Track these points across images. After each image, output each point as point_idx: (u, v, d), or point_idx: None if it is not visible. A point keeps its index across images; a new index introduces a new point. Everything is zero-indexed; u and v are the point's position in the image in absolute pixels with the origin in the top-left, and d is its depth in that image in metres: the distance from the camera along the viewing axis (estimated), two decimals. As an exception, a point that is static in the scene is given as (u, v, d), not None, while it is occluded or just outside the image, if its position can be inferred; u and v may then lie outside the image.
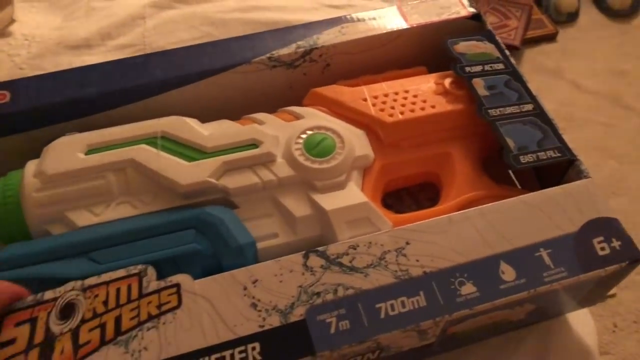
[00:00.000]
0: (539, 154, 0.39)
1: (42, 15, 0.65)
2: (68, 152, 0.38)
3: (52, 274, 0.34)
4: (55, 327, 0.31)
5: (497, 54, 0.44)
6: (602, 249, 0.35)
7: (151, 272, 0.33)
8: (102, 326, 0.31)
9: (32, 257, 0.34)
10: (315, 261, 0.34)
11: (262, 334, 0.31)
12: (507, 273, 0.34)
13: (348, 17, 0.46)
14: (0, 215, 0.36)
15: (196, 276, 0.34)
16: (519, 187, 0.45)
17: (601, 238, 0.35)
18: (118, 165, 0.38)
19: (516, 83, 0.42)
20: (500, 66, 0.43)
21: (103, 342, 0.31)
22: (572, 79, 1.07)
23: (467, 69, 0.42)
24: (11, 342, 0.30)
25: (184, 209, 0.37)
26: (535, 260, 0.34)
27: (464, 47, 0.44)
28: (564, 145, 0.39)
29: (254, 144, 0.39)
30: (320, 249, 0.34)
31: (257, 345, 0.31)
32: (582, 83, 1.06)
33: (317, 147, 0.39)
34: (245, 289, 0.33)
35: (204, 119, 0.41)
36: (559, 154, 0.39)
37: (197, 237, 0.35)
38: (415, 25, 0.45)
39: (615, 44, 1.16)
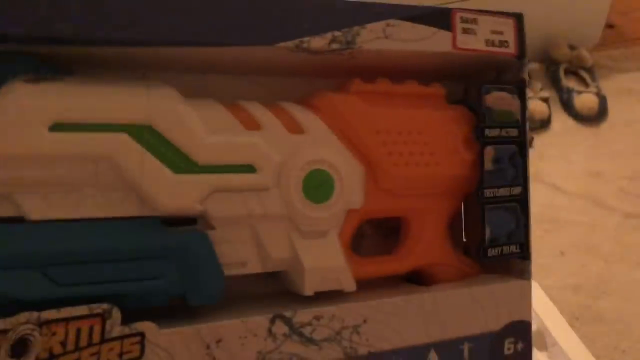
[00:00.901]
0: (503, 247, 0.40)
1: None
2: (29, 123, 0.30)
3: (4, 292, 0.30)
4: (5, 365, 0.29)
5: (518, 115, 0.41)
6: (509, 349, 0.41)
7: (116, 314, 0.31)
8: (58, 369, 0.30)
9: None
10: (280, 328, 0.34)
11: (216, 395, 0.33)
12: (433, 360, 0.39)
13: (398, 10, 0.37)
14: None
15: (158, 304, 0.33)
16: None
17: (512, 339, 0.41)
18: (90, 157, 0.31)
19: (519, 158, 0.41)
20: (515, 133, 0.41)
21: (57, 387, 0.30)
22: (552, 181, 1.12)
23: (487, 131, 0.40)
24: (-47, 376, 0.28)
25: (158, 232, 0.33)
26: (457, 353, 0.39)
27: (493, 99, 0.40)
28: (526, 242, 0.41)
29: (252, 167, 0.34)
30: (287, 314, 0.35)
31: (208, 405, 0.33)
32: (562, 185, 1.11)
33: (316, 190, 0.36)
34: (208, 347, 0.33)
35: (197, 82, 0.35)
36: (518, 250, 0.41)
37: (167, 270, 0.33)
38: (461, 50, 0.39)
39: (589, 146, 1.24)
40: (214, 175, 0.33)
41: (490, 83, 0.40)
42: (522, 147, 0.41)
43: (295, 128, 0.36)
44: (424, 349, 0.38)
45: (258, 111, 0.36)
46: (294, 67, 0.39)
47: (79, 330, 0.30)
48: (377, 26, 0.37)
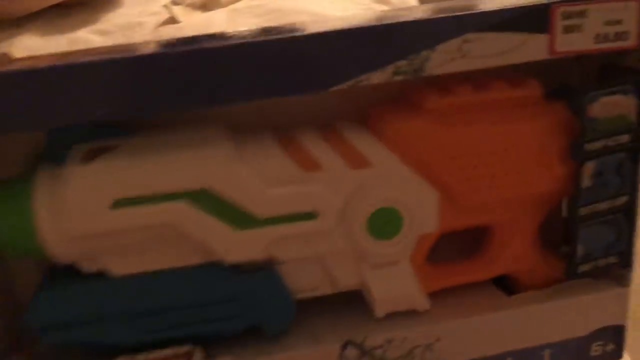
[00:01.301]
0: (599, 261, 0.37)
1: None
2: (92, 205, 0.31)
3: (100, 342, 0.34)
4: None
5: (632, 117, 0.34)
6: (596, 350, 0.40)
7: (199, 354, 0.35)
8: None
9: (70, 318, 0.34)
10: (351, 353, 0.36)
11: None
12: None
13: (477, 19, 0.31)
14: (13, 243, 0.32)
15: (234, 334, 0.36)
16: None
17: (601, 342, 0.39)
18: (154, 226, 0.32)
19: (629, 165, 0.35)
20: (625, 139, 0.34)
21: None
22: None
23: (587, 146, 0.34)
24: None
25: (230, 277, 0.35)
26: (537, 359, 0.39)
27: (600, 107, 0.33)
28: (628, 251, 0.37)
29: (313, 215, 0.34)
30: (358, 340, 0.36)
31: None
32: None
33: (382, 229, 0.34)
34: (287, 379, 0.36)
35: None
36: (617, 261, 0.37)
37: (241, 309, 0.35)
38: (561, 54, 0.32)
39: None
40: (274, 226, 0.33)
41: (599, 81, 0.34)
42: (634, 152, 0.35)
43: (358, 162, 0.34)
44: (501, 358, 0.38)
45: (316, 148, 0.34)
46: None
47: (168, 369, 0.35)
48: (450, 45, 0.31)
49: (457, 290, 0.39)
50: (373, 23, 0.31)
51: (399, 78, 0.31)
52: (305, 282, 0.36)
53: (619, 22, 0.32)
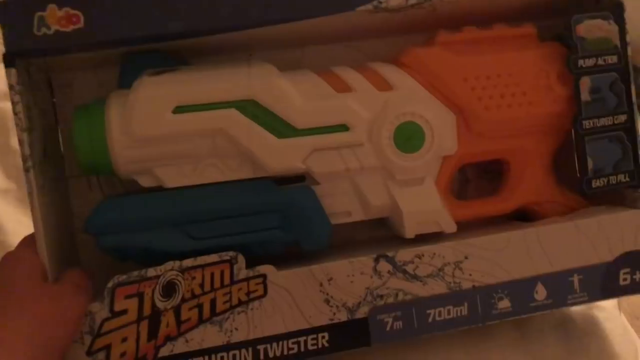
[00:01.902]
0: (610, 177, 0.40)
1: None
2: (156, 110, 0.36)
3: (152, 247, 0.37)
4: (160, 303, 0.36)
5: (616, 40, 0.40)
6: (625, 279, 0.41)
7: (241, 259, 0.37)
8: (200, 307, 0.37)
9: (127, 224, 0.37)
10: (384, 266, 0.38)
11: (331, 326, 0.38)
12: (540, 293, 0.40)
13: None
14: (88, 156, 0.37)
15: (276, 252, 0.39)
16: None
17: (628, 269, 0.41)
18: (208, 132, 0.37)
19: (621, 85, 0.40)
20: (614, 59, 0.40)
21: (201, 321, 0.37)
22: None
23: (580, 62, 0.39)
24: (124, 312, 0.36)
25: (272, 190, 0.38)
26: (566, 284, 0.40)
27: (586, 28, 0.39)
28: (637, 169, 0.40)
29: (345, 127, 0.38)
30: (389, 254, 0.38)
31: (326, 334, 0.38)
32: None
33: (407, 141, 0.39)
34: (321, 285, 0.38)
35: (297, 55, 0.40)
36: (628, 179, 0.40)
37: (282, 221, 0.38)
38: None
39: None
40: (311, 137, 0.38)
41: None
42: (624, 73, 0.40)
43: (384, 86, 0.39)
44: (530, 281, 0.40)
45: (348, 74, 0.39)
46: (382, 28, 0.42)
47: (212, 275, 0.37)
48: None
49: (481, 223, 0.42)
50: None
51: (413, 1, 0.38)
52: (340, 205, 0.40)
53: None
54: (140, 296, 0.36)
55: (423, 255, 0.39)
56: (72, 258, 0.41)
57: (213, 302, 0.37)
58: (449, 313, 0.39)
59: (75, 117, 0.37)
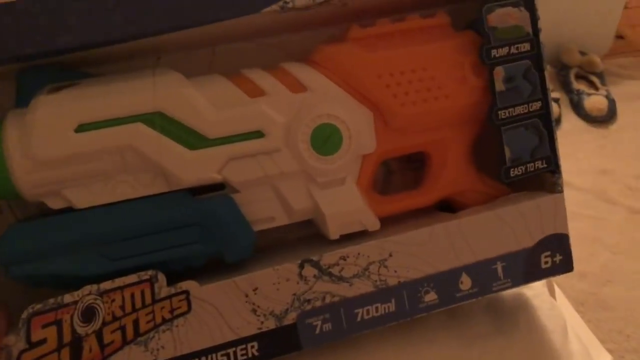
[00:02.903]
0: (528, 165, 0.40)
1: None
2: (57, 129, 0.34)
3: (67, 272, 0.36)
4: (80, 329, 0.35)
5: (528, 28, 0.40)
6: (546, 262, 0.42)
7: (161, 278, 0.36)
8: (123, 328, 0.36)
9: (38, 251, 0.35)
10: (309, 271, 0.38)
11: (260, 335, 0.38)
12: (465, 283, 0.41)
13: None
14: None
15: (198, 265, 0.38)
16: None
17: (548, 252, 0.42)
18: (115, 149, 0.35)
19: (534, 72, 0.40)
20: (527, 47, 0.40)
21: (125, 342, 0.36)
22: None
23: (493, 52, 0.39)
24: (43, 341, 0.35)
25: (188, 203, 0.37)
26: (490, 272, 0.41)
27: (497, 17, 0.39)
28: (553, 154, 0.41)
29: (259, 133, 0.37)
30: (314, 259, 0.38)
31: (255, 344, 0.38)
32: (570, 181, 1.11)
33: (324, 145, 0.38)
34: (246, 295, 0.37)
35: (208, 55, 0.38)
36: (545, 165, 0.41)
37: (202, 234, 0.37)
38: None
39: (597, 146, 1.29)
40: (225, 146, 0.37)
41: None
42: (537, 60, 0.40)
43: (297, 87, 0.38)
44: (455, 272, 0.40)
45: (260, 78, 0.38)
46: (293, 24, 0.40)
47: (132, 295, 0.36)
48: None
49: (406, 216, 0.42)
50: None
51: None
52: (262, 212, 0.39)
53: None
54: (58, 324, 0.35)
55: (348, 257, 0.39)
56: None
57: (136, 323, 0.36)
58: (376, 310, 0.39)
59: None
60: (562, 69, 1.48)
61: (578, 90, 1.41)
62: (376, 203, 0.41)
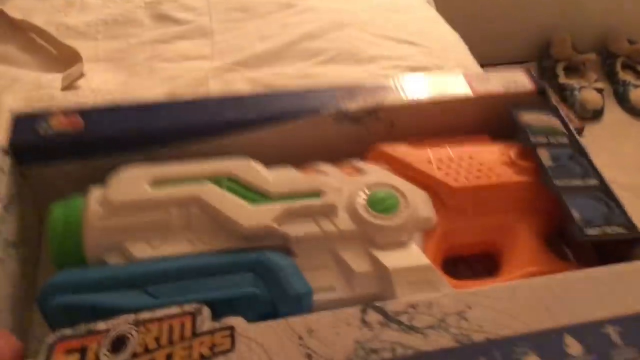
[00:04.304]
0: (605, 228, 0.38)
1: (107, 73, 0.67)
2: (134, 182, 0.38)
3: (106, 304, 0.33)
4: (105, 359, 0.30)
5: (562, 129, 0.44)
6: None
7: (205, 311, 0.32)
8: (153, 363, 0.30)
9: (86, 285, 0.34)
10: (373, 316, 0.33)
11: (316, 387, 0.30)
12: (573, 347, 0.32)
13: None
14: (59, 239, 0.36)
15: (251, 320, 0.33)
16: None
17: (672, 320, 0.34)
18: (183, 201, 0.38)
19: (581, 158, 0.42)
20: (565, 140, 0.43)
21: (152, 380, 0.30)
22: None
23: (533, 138, 0.42)
24: (60, 369, 0.30)
25: (243, 252, 0.36)
26: (602, 337, 0.33)
27: (529, 118, 0.44)
28: (630, 222, 0.38)
29: (317, 194, 0.39)
30: (378, 304, 0.33)
31: (310, 398, 0.30)
32: (610, 175, 1.14)
33: (382, 204, 0.39)
34: (300, 338, 0.32)
35: (269, 164, 0.42)
36: (626, 231, 0.38)
37: (255, 281, 0.35)
38: (481, 95, 0.46)
39: None
40: (284, 202, 0.38)
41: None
42: (579, 150, 0.42)
43: (355, 172, 0.41)
44: (555, 333, 0.33)
45: (321, 165, 0.42)
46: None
47: (171, 327, 0.32)
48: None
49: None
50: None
51: (368, 106, 0.44)
52: (320, 278, 0.37)
53: (515, 81, 0.47)
54: (82, 351, 0.30)
55: (417, 306, 0.33)
56: None
57: (169, 358, 0.31)
58: (463, 371, 0.31)
59: (52, 208, 0.38)
60: (608, 57, 1.34)
61: (624, 81, 1.26)
62: (451, 284, 0.37)
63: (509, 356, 0.32)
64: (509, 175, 0.41)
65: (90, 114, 0.42)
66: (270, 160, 0.42)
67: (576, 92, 1.28)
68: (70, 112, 0.42)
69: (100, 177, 0.39)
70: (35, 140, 0.41)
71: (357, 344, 0.32)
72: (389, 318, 0.33)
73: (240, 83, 0.65)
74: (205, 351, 0.31)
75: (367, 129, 0.45)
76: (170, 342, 0.31)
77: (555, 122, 0.44)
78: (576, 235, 0.37)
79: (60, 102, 0.60)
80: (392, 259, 0.37)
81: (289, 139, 0.45)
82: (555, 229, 0.42)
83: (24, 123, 0.41)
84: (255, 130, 0.43)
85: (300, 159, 0.43)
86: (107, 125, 0.42)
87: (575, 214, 0.38)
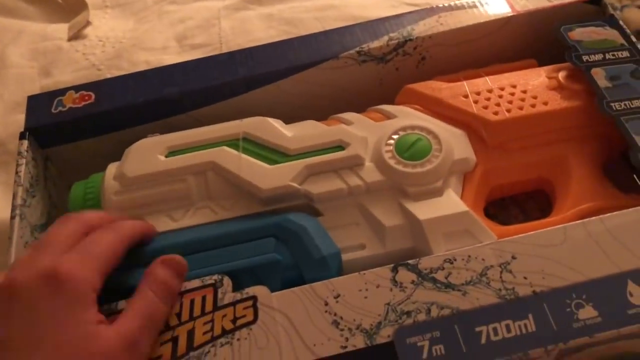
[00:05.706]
0: (675, 154, 0.32)
1: (115, 20, 0.65)
2: (148, 154, 0.37)
3: (127, 282, 0.32)
4: (127, 339, 0.29)
5: (621, 40, 0.38)
6: None
7: (227, 282, 0.31)
8: (174, 340, 0.29)
9: None
10: (405, 276, 0.30)
11: (345, 355, 0.28)
12: (637, 295, 0.28)
13: (446, 4, 0.42)
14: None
15: (275, 288, 0.31)
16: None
17: None
18: (198, 168, 0.36)
19: (644, 72, 0.36)
20: (626, 54, 0.37)
21: (174, 358, 0.29)
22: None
23: (585, 57, 0.37)
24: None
25: (265, 216, 0.34)
26: (670, 283, 0.28)
27: (580, 34, 0.38)
28: None
29: (340, 146, 0.36)
30: (411, 262, 0.30)
31: (338, 368, 0.28)
32: None
33: (411, 149, 0.35)
34: (326, 304, 0.29)
35: (289, 119, 0.39)
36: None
37: (277, 246, 0.32)
38: (523, 12, 0.40)
39: None
40: (304, 159, 0.35)
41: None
42: (642, 63, 0.36)
43: (383, 117, 0.38)
44: (616, 280, 0.29)
45: (346, 115, 0.38)
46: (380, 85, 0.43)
47: (192, 302, 0.30)
48: (429, 20, 0.40)
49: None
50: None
51: (393, 43, 0.40)
52: (349, 237, 0.34)
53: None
54: (104, 332, 0.30)
55: (455, 260, 0.30)
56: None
57: (190, 334, 0.29)
58: (508, 330, 0.28)
59: (72, 188, 0.38)
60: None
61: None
62: (495, 231, 0.33)
63: (561, 311, 0.28)
64: (558, 102, 0.36)
65: (101, 87, 0.41)
66: (291, 116, 0.39)
67: (618, 12, 1.17)
68: (82, 88, 0.41)
69: (121, 152, 0.38)
70: (51, 121, 0.40)
71: (388, 306, 0.29)
72: (423, 276, 0.30)
73: (256, 21, 0.60)
74: (227, 324, 0.29)
75: (395, 68, 0.41)
76: (191, 317, 0.30)
77: (612, 34, 0.38)
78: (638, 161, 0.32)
79: (67, 53, 0.58)
80: (424, 210, 0.33)
81: (308, 89, 0.41)
82: (619, 154, 0.37)
83: (37, 105, 0.41)
84: (272, 85, 0.40)
85: (323, 110, 0.39)
86: (118, 97, 0.40)
87: (638, 140, 0.33)
